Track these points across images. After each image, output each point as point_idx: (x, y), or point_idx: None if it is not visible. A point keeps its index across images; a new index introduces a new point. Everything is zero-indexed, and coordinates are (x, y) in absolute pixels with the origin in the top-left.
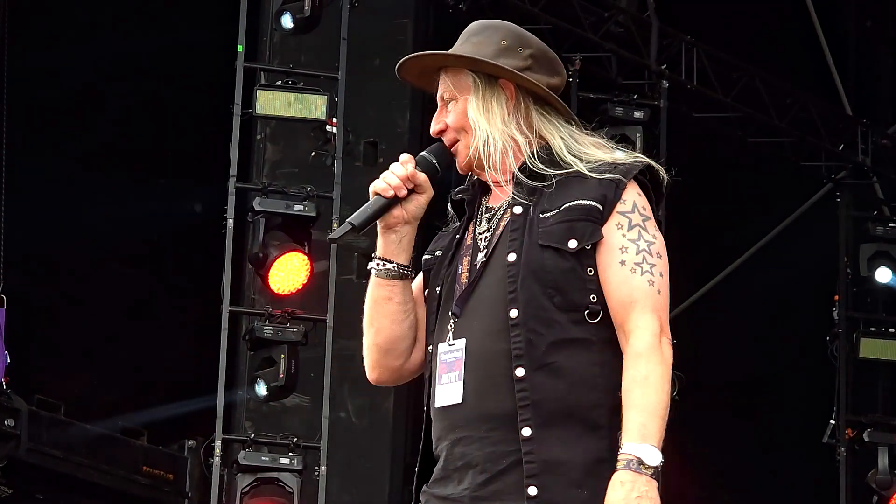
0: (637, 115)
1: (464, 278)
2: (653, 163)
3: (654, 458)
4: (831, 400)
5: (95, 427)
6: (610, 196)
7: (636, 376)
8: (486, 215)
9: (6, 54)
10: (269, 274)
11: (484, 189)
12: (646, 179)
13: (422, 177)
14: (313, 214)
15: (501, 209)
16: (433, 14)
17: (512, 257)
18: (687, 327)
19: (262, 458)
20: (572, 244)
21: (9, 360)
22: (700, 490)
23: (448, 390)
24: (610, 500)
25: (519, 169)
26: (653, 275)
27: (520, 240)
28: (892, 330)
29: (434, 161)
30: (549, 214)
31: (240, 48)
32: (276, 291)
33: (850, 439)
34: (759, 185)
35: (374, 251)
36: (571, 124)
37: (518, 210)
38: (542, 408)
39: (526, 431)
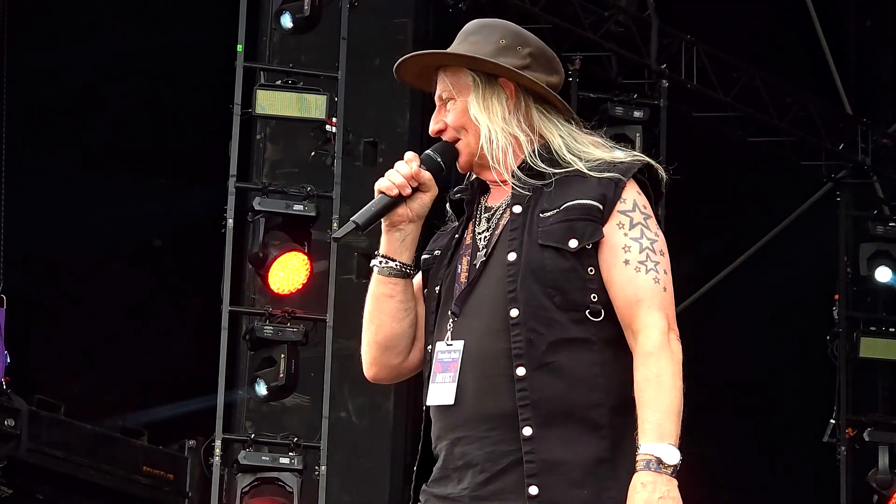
0: (637, 114)
1: (463, 278)
2: (652, 161)
3: (673, 456)
4: (831, 399)
5: (96, 427)
6: (610, 195)
7: (648, 375)
8: (486, 215)
9: (6, 54)
10: (269, 274)
11: (482, 188)
12: (645, 178)
13: (426, 175)
14: (313, 214)
15: (501, 208)
16: (433, 14)
17: (512, 257)
18: (687, 327)
19: (263, 457)
20: (573, 244)
21: (9, 360)
22: (700, 490)
23: (440, 390)
24: (633, 502)
25: (519, 167)
26: (657, 272)
27: (519, 239)
28: (893, 329)
29: (439, 159)
30: (548, 214)
31: (239, 48)
32: (276, 291)
33: (850, 438)
34: (759, 184)
35: (375, 251)
36: (571, 123)
37: (518, 209)
38: (543, 407)
39: (527, 431)
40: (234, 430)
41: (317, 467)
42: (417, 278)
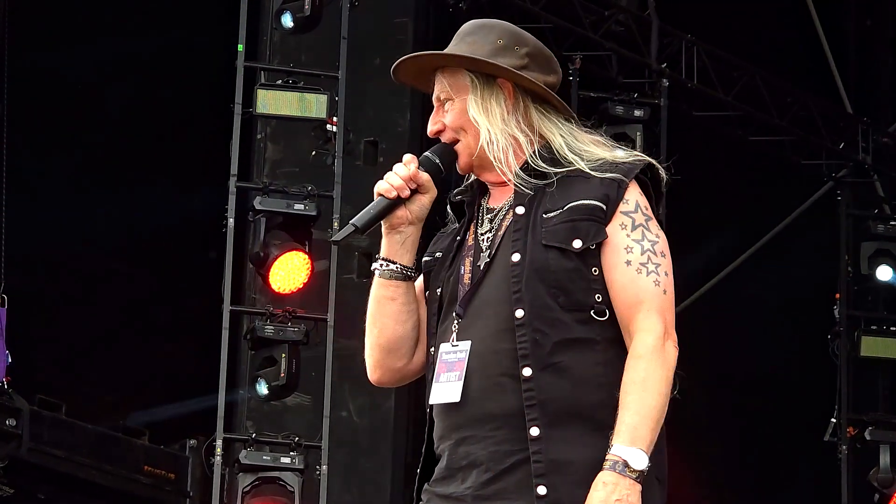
0: (637, 113)
1: (466, 279)
2: (653, 161)
3: (641, 461)
4: (832, 398)
5: (97, 427)
6: (612, 196)
7: (635, 378)
8: (488, 216)
9: (6, 54)
10: (270, 273)
11: (483, 190)
12: (646, 178)
13: (424, 177)
14: (314, 214)
15: (503, 209)
16: (433, 14)
17: (516, 257)
18: (687, 327)
19: (264, 457)
20: (577, 244)
21: (10, 360)
22: (700, 490)
23: (445, 388)
24: (591, 500)
25: (521, 168)
26: (658, 275)
27: (523, 240)
28: (893, 328)
29: (437, 161)
30: (552, 214)
31: (240, 47)
32: (276, 291)
33: (851, 438)
34: (759, 183)
35: (375, 251)
36: (570, 122)
37: (521, 210)
38: (549, 407)
39: (534, 431)
40: (235, 430)
41: (318, 467)
42: (419, 281)
